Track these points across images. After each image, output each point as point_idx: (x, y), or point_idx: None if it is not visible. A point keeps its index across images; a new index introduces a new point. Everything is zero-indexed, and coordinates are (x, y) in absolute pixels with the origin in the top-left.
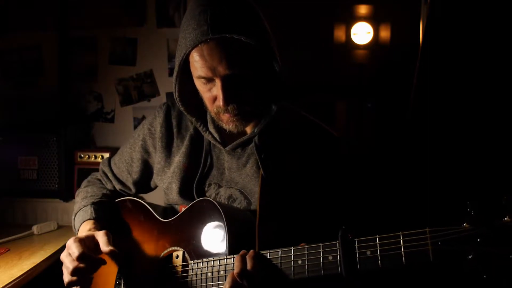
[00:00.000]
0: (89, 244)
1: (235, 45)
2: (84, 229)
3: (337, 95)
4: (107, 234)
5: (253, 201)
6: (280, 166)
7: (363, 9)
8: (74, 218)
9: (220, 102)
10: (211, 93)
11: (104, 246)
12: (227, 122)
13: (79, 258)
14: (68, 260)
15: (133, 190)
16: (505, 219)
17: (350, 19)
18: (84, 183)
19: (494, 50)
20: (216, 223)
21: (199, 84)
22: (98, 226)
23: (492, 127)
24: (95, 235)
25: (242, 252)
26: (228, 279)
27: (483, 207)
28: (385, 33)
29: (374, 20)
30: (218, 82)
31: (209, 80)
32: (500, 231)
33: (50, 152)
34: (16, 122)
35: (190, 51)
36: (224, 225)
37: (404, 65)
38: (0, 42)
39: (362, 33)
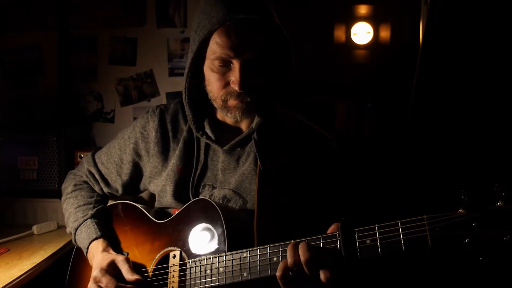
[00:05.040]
0: (112, 271)
1: (259, 31)
2: (97, 250)
3: (337, 95)
4: (127, 261)
5: (249, 199)
6: (277, 162)
7: (363, 9)
8: (75, 233)
9: (236, 85)
10: (225, 78)
11: (129, 275)
12: (234, 108)
13: None
14: None
15: (120, 192)
16: (498, 204)
17: (350, 19)
18: (70, 186)
19: (493, 49)
20: (213, 221)
21: (213, 68)
22: (108, 244)
23: (489, 125)
24: (116, 261)
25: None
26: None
27: (476, 194)
28: (385, 33)
29: (374, 20)
30: (236, 65)
31: (226, 63)
32: (494, 215)
33: (50, 152)
34: (16, 122)
35: (216, 29)
36: (223, 223)
37: (404, 65)
38: (0, 42)
39: (362, 33)
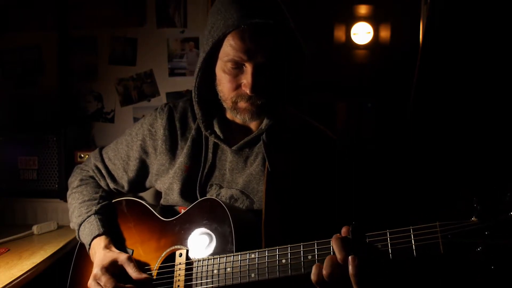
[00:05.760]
0: (113, 269)
1: (273, 35)
2: (99, 246)
3: (337, 95)
4: (131, 260)
5: (256, 200)
6: (285, 164)
7: (363, 9)
8: (79, 229)
9: (247, 88)
10: (236, 80)
11: (137, 274)
12: (244, 111)
13: None
14: None
15: (126, 188)
16: (511, 213)
17: (350, 19)
18: (76, 181)
19: (494, 50)
20: (221, 221)
21: (225, 70)
22: (110, 241)
23: (492, 126)
24: (118, 260)
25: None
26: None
27: (489, 203)
28: (385, 33)
29: (374, 20)
30: (249, 68)
31: (238, 66)
32: (507, 225)
33: (50, 152)
34: (16, 122)
35: (230, 31)
36: (231, 223)
37: (404, 65)
38: (0, 42)
39: (362, 33)
